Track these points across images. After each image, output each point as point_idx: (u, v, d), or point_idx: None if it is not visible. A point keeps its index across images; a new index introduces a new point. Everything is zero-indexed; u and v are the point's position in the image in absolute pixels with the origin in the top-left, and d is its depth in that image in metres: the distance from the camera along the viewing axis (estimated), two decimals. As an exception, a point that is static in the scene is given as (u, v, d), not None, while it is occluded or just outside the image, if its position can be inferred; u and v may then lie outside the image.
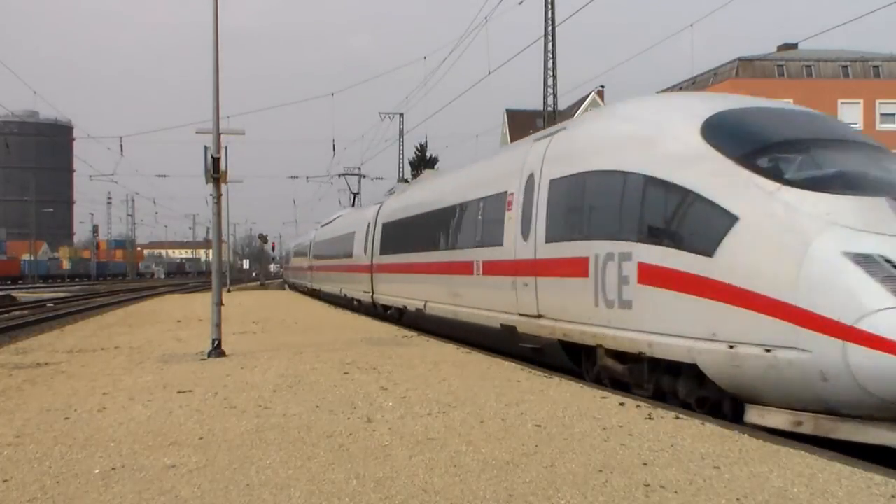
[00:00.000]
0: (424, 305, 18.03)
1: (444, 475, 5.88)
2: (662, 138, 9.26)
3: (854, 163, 8.35)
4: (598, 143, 10.66)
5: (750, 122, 9.05)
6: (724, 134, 8.71)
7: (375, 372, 11.31)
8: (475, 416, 8.04)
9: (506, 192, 13.15)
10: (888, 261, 6.84)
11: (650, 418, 7.80)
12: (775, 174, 8.00)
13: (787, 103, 11.75)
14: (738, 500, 5.22)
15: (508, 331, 12.82)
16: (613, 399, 8.87)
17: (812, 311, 6.94)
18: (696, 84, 54.82)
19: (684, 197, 8.48)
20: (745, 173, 8.06)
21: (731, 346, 7.61)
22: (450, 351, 14.09)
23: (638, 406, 8.44)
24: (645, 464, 6.11)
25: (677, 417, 7.86)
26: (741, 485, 5.53)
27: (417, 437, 7.12)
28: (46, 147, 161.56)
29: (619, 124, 10.55)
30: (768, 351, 7.25)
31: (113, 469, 6.21)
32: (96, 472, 6.14)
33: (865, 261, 6.87)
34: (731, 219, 7.83)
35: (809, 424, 7.23)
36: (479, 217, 14.51)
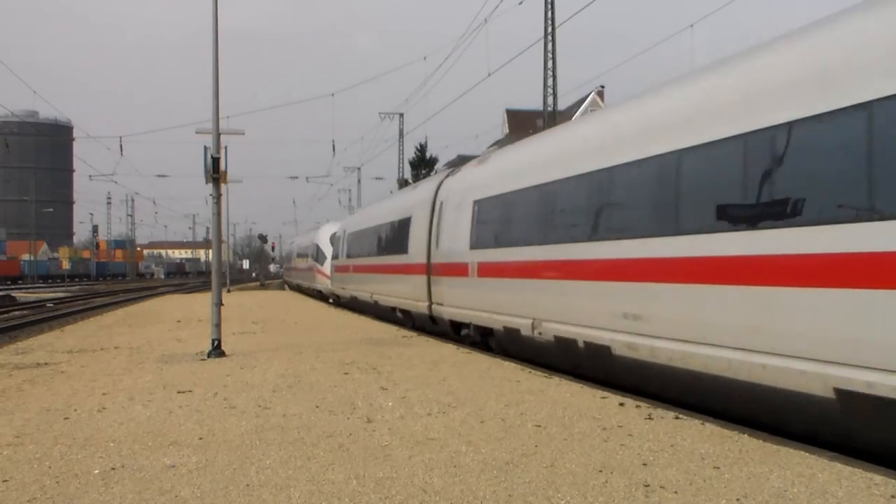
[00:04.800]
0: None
1: (444, 475, 5.88)
2: None
3: None
4: None
5: None
6: None
7: (375, 372, 11.32)
8: (475, 416, 8.05)
9: None
10: None
11: (650, 418, 7.80)
12: None
13: None
14: (737, 500, 5.22)
15: None
16: (613, 399, 8.88)
17: None
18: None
19: None
20: None
21: None
22: (449, 351, 14.09)
23: (638, 406, 8.44)
24: (645, 464, 6.12)
25: (677, 417, 7.86)
26: (741, 485, 5.53)
27: (417, 438, 7.12)
28: (46, 147, 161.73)
29: None
30: None
31: (113, 469, 6.21)
32: (96, 472, 6.14)
33: None
34: None
35: None
36: None
